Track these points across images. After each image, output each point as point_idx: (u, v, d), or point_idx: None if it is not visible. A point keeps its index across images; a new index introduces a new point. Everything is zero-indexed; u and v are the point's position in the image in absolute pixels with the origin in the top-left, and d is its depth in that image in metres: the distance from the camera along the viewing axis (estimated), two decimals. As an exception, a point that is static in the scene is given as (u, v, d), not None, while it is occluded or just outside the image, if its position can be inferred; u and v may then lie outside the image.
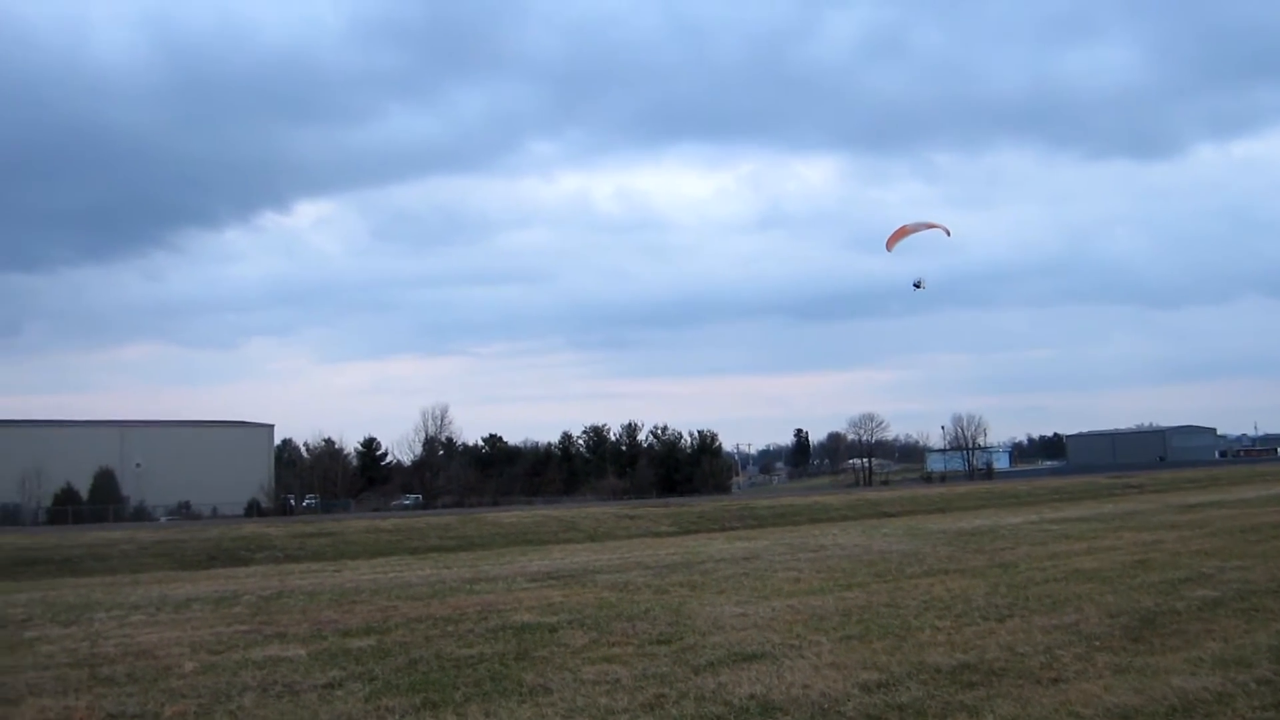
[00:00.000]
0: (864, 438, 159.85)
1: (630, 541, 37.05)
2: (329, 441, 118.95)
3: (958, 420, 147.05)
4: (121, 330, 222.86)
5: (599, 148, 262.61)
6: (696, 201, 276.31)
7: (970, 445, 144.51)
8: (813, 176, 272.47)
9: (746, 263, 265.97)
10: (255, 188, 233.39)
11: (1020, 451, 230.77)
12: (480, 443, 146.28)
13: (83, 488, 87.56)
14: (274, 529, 41.72)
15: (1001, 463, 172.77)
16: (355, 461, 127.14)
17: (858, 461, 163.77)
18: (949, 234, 40.61)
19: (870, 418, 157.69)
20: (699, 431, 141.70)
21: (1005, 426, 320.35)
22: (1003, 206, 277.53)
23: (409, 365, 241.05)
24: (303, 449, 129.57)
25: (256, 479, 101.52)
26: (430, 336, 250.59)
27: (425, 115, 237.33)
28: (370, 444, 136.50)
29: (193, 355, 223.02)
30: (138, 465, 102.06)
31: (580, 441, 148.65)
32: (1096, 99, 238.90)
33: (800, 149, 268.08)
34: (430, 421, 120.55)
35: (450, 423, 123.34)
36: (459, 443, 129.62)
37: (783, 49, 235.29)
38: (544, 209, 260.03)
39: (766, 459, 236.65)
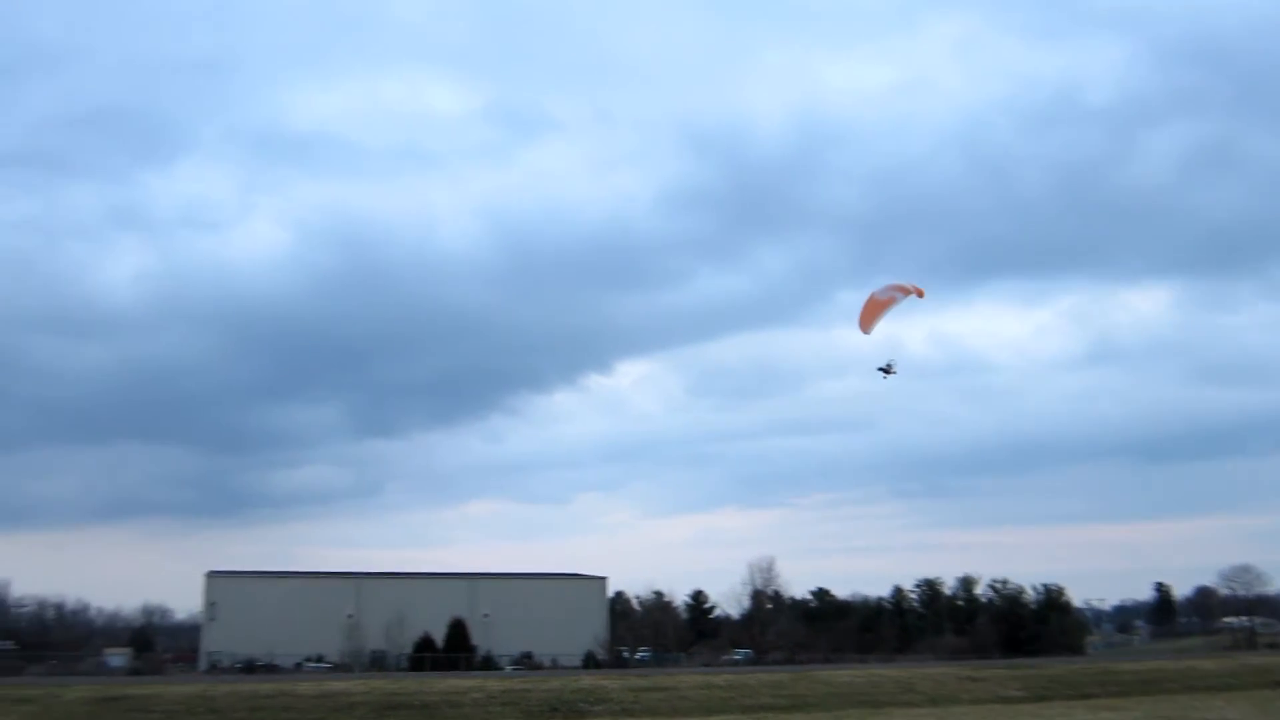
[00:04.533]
0: (1240, 593, 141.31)
1: (976, 708, 34.43)
2: (659, 594, 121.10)
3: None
4: (467, 488, 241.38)
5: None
6: (1014, 340, 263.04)
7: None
8: (1144, 306, 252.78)
9: (1077, 402, 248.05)
10: (580, 352, 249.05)
11: None
12: (808, 596, 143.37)
13: (438, 636, 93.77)
14: (610, 681, 42.41)
15: None
16: (684, 614, 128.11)
17: (1235, 620, 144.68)
18: (921, 294, 35.09)
19: (1246, 570, 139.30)
20: (1043, 585, 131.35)
21: None
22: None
23: (731, 518, 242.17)
24: (634, 601, 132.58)
25: (592, 630, 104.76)
26: (750, 489, 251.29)
27: (734, 273, 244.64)
28: (698, 597, 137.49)
29: (530, 510, 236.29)
30: (485, 616, 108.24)
31: (913, 596, 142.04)
32: None
33: (1127, 277, 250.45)
34: (757, 574, 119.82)
35: (777, 576, 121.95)
36: (787, 596, 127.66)
37: (1095, 176, 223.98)
38: (856, 357, 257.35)
39: (1123, 616, 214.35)
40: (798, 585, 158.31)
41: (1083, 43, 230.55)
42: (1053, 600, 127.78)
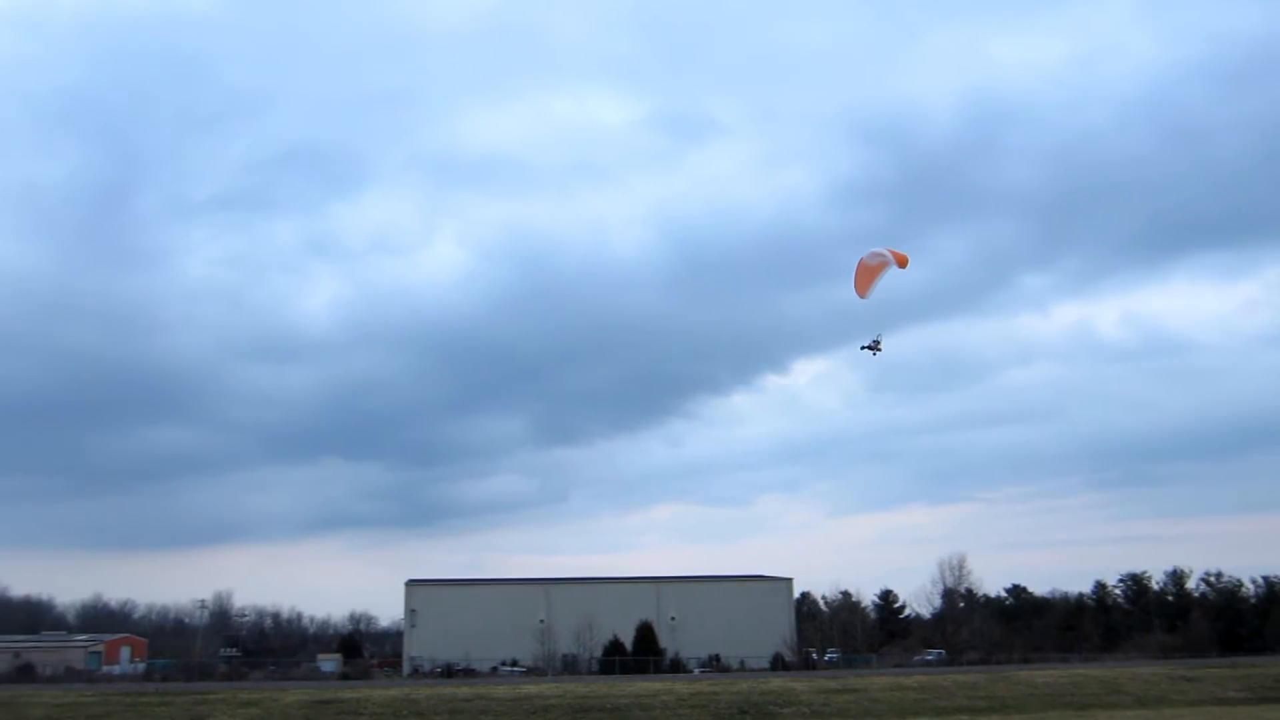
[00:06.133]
0: None
1: (1192, 710, 32.48)
2: (846, 594, 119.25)
3: None
4: (650, 493, 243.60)
5: (1096, 273, 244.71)
6: (1219, 317, 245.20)
7: None
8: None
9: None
10: (755, 352, 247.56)
11: None
12: (1003, 594, 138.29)
13: (627, 639, 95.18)
14: (799, 684, 42.10)
15: None
16: (873, 614, 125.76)
17: None
18: (905, 264, 32.11)
19: None
20: (1264, 578, 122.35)
21: None
22: None
23: (918, 514, 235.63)
24: (821, 602, 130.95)
25: (779, 632, 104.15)
26: (936, 484, 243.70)
27: (910, 264, 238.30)
28: (887, 596, 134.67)
29: (713, 513, 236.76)
30: (672, 619, 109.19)
31: (1117, 591, 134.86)
32: None
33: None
34: (948, 572, 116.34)
35: (969, 573, 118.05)
36: (979, 594, 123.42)
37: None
38: (1043, 343, 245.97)
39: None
40: (991, 582, 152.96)
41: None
42: (1275, 593, 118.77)
